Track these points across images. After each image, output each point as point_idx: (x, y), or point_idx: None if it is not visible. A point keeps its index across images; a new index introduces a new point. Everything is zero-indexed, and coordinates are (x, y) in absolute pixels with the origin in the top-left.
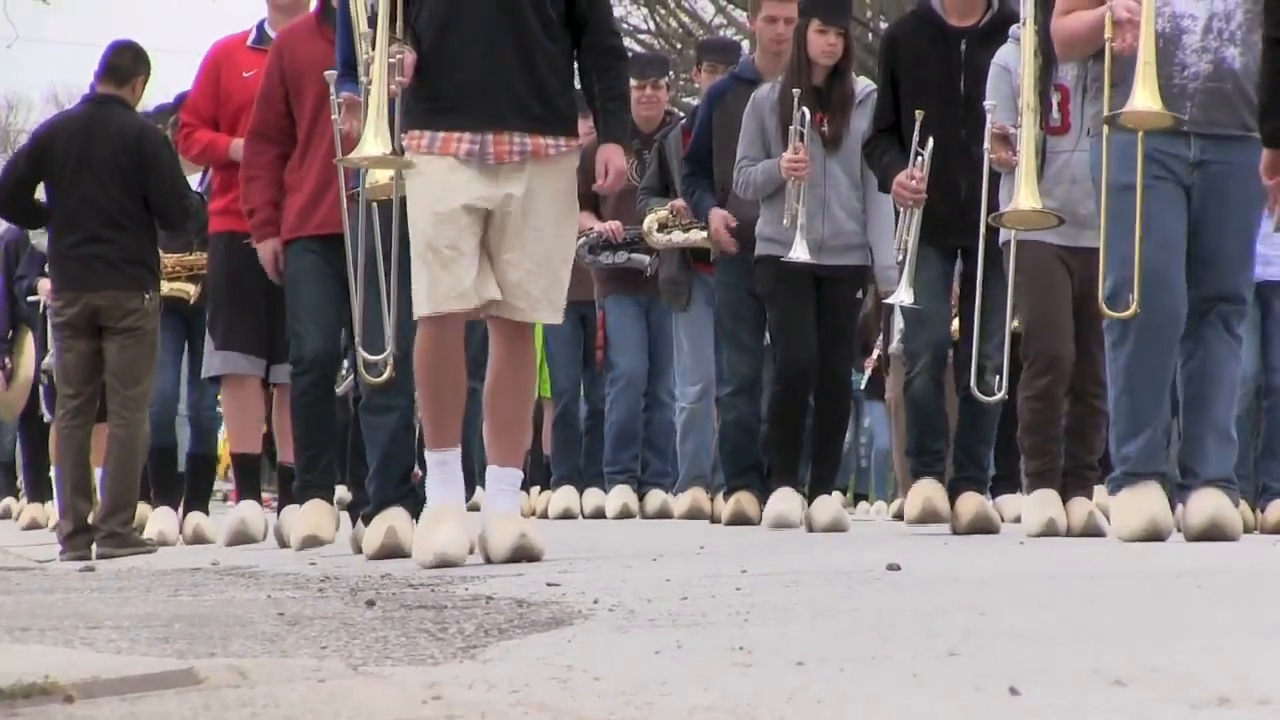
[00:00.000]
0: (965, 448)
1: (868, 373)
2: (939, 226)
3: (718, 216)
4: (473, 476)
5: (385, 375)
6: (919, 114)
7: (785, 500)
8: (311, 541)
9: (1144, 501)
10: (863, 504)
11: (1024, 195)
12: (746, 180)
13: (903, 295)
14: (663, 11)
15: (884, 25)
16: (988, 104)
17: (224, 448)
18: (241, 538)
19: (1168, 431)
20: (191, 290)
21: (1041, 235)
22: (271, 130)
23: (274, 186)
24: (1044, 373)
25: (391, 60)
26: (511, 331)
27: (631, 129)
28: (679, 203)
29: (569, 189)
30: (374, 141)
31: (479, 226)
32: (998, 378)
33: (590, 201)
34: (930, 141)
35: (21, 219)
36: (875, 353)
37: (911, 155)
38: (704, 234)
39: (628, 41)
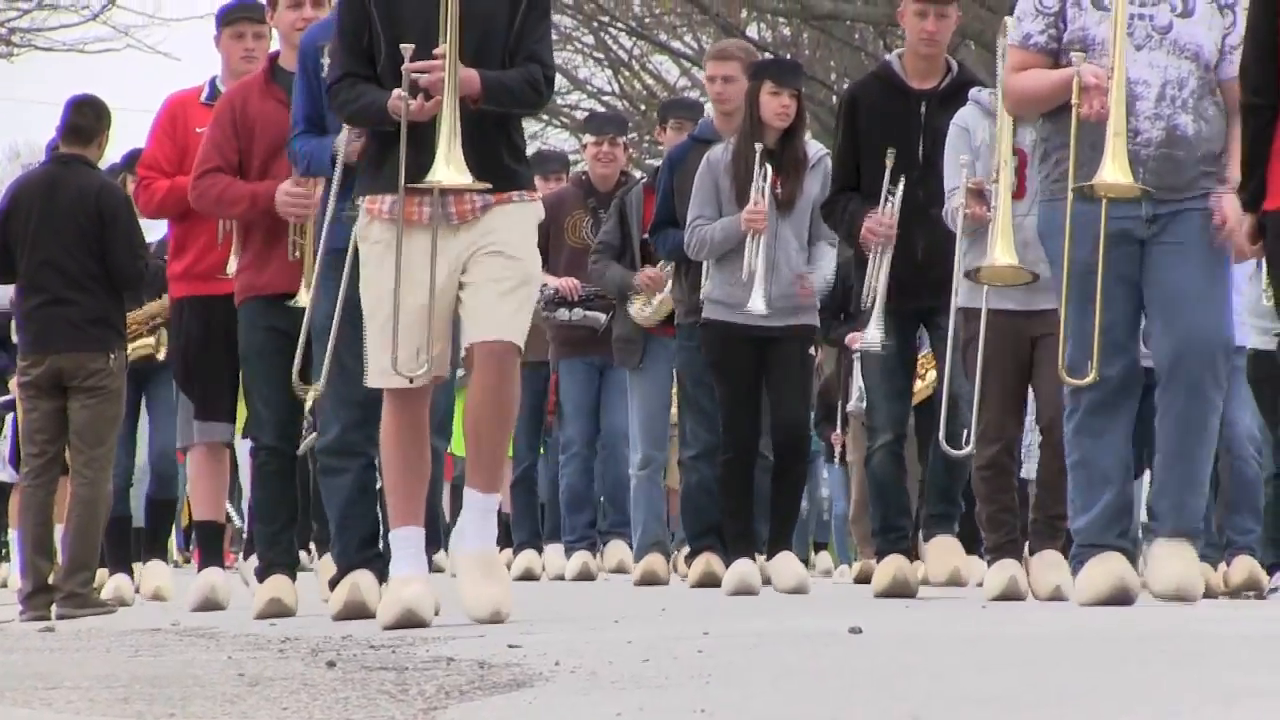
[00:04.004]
0: (940, 487)
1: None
2: (897, 289)
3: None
4: (436, 536)
5: (304, 445)
6: (890, 152)
7: (744, 568)
8: (275, 606)
9: (1107, 566)
10: (823, 554)
11: (1000, 251)
12: (702, 240)
13: (873, 335)
14: (626, 74)
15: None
16: (962, 159)
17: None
18: (210, 604)
19: (1129, 499)
20: (153, 341)
21: (997, 300)
22: (220, 172)
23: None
24: (993, 442)
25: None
26: (494, 355)
27: (587, 186)
28: (643, 276)
29: (533, 232)
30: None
31: (443, 299)
32: (965, 432)
33: (542, 259)
34: (902, 181)
35: (12, 279)
36: (836, 433)
37: (882, 197)
38: (671, 300)
39: (590, 103)
